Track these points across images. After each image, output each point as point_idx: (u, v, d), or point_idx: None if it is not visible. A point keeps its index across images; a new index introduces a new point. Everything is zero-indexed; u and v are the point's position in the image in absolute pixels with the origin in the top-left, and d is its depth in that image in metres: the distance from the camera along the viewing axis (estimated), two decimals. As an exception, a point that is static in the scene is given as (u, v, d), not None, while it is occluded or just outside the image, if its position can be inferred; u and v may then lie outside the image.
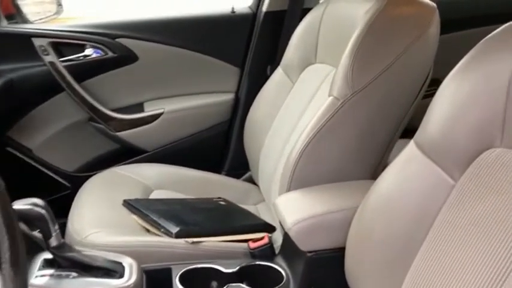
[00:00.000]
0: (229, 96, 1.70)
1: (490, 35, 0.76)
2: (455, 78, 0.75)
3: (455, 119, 0.72)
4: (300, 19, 1.46)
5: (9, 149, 1.58)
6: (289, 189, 1.11)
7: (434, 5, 1.13)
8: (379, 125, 1.10)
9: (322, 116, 1.08)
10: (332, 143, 1.08)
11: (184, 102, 1.67)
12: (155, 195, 1.41)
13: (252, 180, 1.56)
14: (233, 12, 1.65)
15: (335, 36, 1.28)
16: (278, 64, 1.49)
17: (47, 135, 1.61)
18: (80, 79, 1.57)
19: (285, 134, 1.34)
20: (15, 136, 1.58)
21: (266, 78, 1.53)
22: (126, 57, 1.60)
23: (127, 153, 1.67)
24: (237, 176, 1.67)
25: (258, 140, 1.48)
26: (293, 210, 0.99)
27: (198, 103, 1.68)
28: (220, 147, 1.74)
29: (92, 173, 1.51)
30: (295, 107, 1.37)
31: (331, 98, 1.09)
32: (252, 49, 1.66)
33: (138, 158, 1.66)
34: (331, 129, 1.07)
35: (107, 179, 1.44)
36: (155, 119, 1.64)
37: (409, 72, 1.10)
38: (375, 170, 1.14)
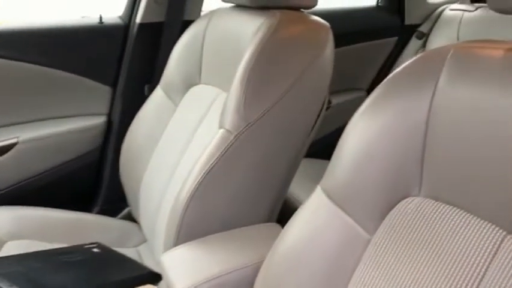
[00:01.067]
0: (101, 120, 1.47)
1: (399, 69, 0.65)
2: (363, 118, 0.65)
3: (364, 163, 0.63)
4: (180, 32, 1.29)
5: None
6: (177, 239, 0.93)
7: (327, 23, 1.04)
8: (277, 157, 0.97)
9: (213, 153, 0.92)
10: (226, 183, 0.92)
11: (44, 129, 1.40)
12: (9, 248, 1.13)
13: (131, 217, 1.35)
14: (101, 22, 1.41)
15: (221, 55, 1.14)
16: (157, 83, 1.30)
17: None
18: None
19: (169, 166, 1.16)
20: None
21: (144, 99, 1.33)
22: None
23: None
24: (114, 212, 1.45)
25: (136, 170, 1.27)
26: (184, 273, 0.81)
27: (61, 129, 1.41)
28: (91, 180, 1.50)
29: None
30: (179, 134, 1.19)
31: (222, 130, 0.93)
32: (126, 65, 1.44)
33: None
34: (224, 167, 0.91)
35: None
36: (7, 151, 1.34)
37: (307, 97, 0.98)
38: (273, 208, 1.01)
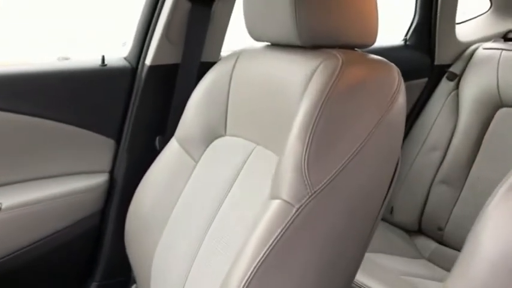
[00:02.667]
0: (101, 179, 1.24)
1: None
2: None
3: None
4: (198, 76, 1.10)
5: None
6: None
7: (394, 65, 0.84)
8: (350, 230, 0.75)
9: (272, 229, 0.69)
10: (291, 264, 0.70)
11: (32, 192, 1.15)
12: None
13: (136, 297, 1.11)
14: (104, 65, 1.20)
15: (255, 102, 0.94)
16: (171, 135, 1.09)
17: None
18: None
19: (195, 237, 0.94)
20: None
21: (154, 153, 1.12)
22: None
23: None
24: (115, 284, 1.20)
25: (147, 242, 1.04)
26: None
27: (52, 192, 1.17)
28: (88, 250, 1.25)
29: None
30: (205, 198, 0.97)
31: (279, 202, 0.72)
32: (132, 114, 1.22)
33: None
34: (287, 246, 0.69)
35: None
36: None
37: (380, 154, 0.78)
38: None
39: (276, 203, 0.72)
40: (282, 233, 0.69)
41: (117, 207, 1.22)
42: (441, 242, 1.64)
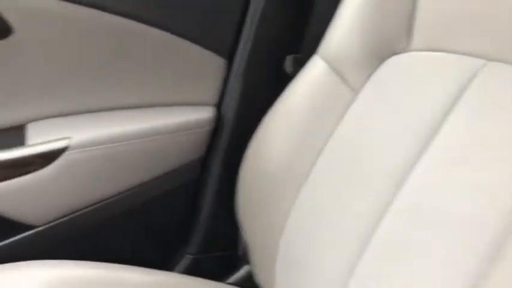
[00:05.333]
0: (204, 114, 0.87)
1: None
2: None
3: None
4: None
5: None
6: None
7: None
8: None
9: None
10: None
11: (110, 126, 0.83)
12: None
13: (251, 283, 0.77)
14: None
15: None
16: (310, 53, 0.71)
17: None
18: None
19: (362, 205, 0.59)
20: None
21: (283, 79, 0.76)
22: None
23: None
24: (218, 269, 0.88)
25: (274, 207, 0.69)
26: None
27: (138, 128, 0.83)
28: (182, 214, 0.92)
29: None
30: (381, 146, 0.60)
31: None
32: (254, 23, 0.84)
33: (13, 240, 0.80)
34: None
35: None
36: (50, 161, 0.77)
37: None
38: None
39: None
40: None
41: (225, 156, 0.88)
42: None
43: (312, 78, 0.71)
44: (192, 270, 0.93)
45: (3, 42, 0.75)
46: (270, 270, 0.70)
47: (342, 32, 0.70)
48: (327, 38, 0.71)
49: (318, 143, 0.68)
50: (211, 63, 0.86)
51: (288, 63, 0.85)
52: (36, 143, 0.78)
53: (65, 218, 0.82)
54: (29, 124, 0.81)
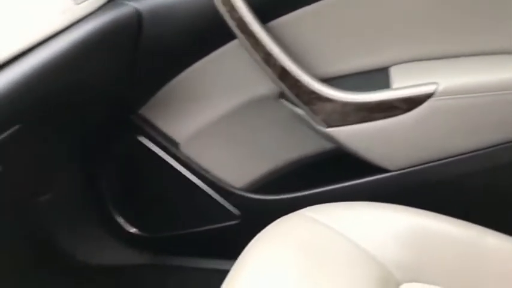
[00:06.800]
0: None
1: None
2: None
3: None
4: None
5: (141, 138, 0.89)
6: None
7: None
8: None
9: None
10: None
11: (480, 73, 0.74)
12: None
13: None
14: None
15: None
16: None
17: (202, 122, 0.87)
18: (265, 17, 0.77)
19: None
20: (152, 117, 0.88)
21: None
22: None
23: (346, 171, 0.84)
24: None
25: None
26: None
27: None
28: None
29: (276, 197, 0.86)
30: None
31: None
32: None
33: (369, 181, 0.82)
34: None
35: (303, 237, 0.64)
36: (414, 107, 0.74)
37: None
38: None
39: None
40: None
41: None
42: None
43: None
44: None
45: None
46: None
47: None
48: None
49: None
50: None
51: None
52: (402, 86, 0.75)
53: (417, 168, 0.79)
54: (392, 67, 0.79)
